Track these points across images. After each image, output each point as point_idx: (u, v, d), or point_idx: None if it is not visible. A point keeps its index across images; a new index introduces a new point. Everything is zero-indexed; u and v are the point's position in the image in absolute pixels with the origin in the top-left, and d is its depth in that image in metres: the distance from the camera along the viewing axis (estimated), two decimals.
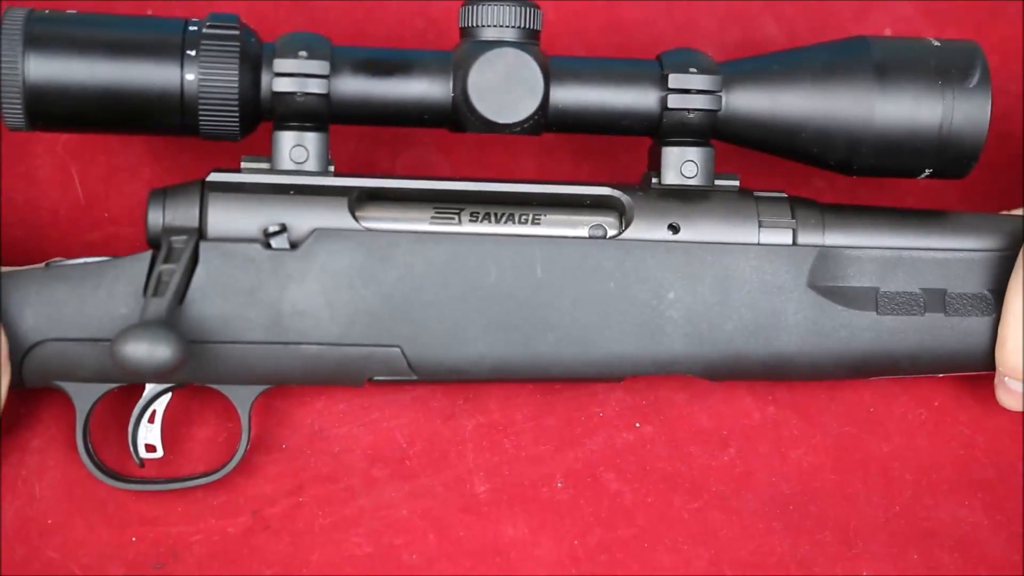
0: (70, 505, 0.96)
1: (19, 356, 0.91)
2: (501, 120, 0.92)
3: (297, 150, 0.93)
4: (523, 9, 0.92)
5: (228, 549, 0.96)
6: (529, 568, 0.96)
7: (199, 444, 0.99)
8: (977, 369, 0.97)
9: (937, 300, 0.96)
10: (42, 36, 0.88)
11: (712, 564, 0.97)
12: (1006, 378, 0.97)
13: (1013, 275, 0.95)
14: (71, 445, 0.97)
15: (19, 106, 0.89)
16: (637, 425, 1.01)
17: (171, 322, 0.85)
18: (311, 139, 0.93)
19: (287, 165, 0.93)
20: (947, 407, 1.04)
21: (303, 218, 0.92)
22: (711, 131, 0.95)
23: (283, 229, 0.91)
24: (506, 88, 0.91)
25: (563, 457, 1.00)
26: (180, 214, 0.92)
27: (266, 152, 0.94)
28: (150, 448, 0.96)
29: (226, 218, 0.92)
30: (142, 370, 0.83)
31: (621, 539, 0.98)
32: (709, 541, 0.98)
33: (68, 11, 0.91)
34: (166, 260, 0.90)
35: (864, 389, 1.04)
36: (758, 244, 0.95)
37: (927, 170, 0.96)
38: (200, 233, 0.92)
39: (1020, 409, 0.99)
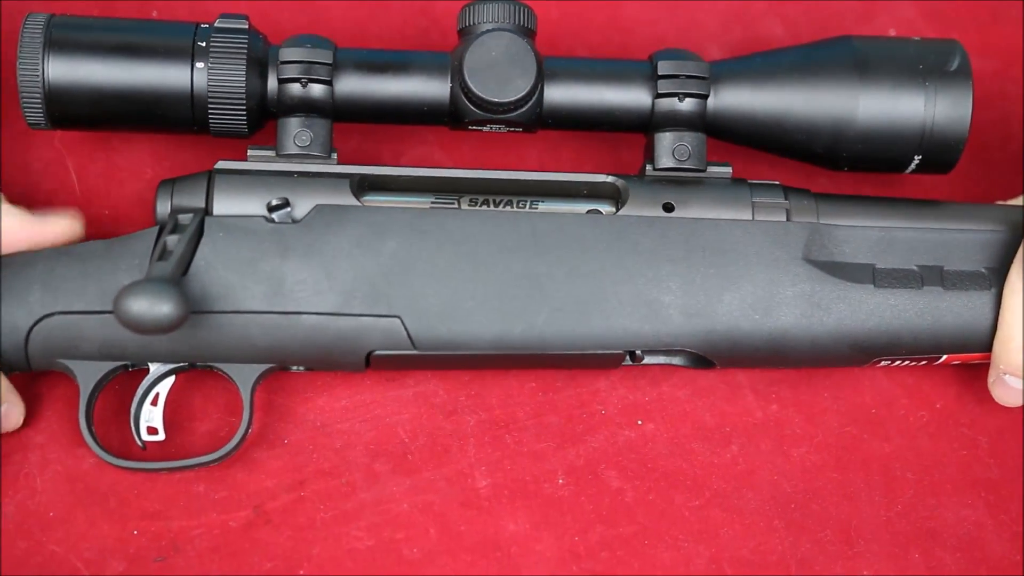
0: (71, 499, 0.96)
1: (25, 331, 0.92)
2: (496, 98, 0.94)
3: (302, 134, 0.95)
4: (518, 8, 0.95)
5: (229, 543, 0.95)
6: (530, 564, 0.96)
7: (201, 436, 0.99)
8: (978, 350, 0.97)
9: (934, 275, 0.97)
10: (62, 40, 0.92)
11: (712, 562, 0.97)
12: (1006, 376, 0.97)
13: (1012, 270, 0.96)
14: (73, 439, 0.97)
15: (40, 106, 0.93)
16: (639, 422, 1.01)
17: (174, 281, 0.86)
18: (315, 125, 0.96)
19: (292, 150, 0.95)
20: (949, 408, 1.04)
21: (305, 197, 0.94)
22: (701, 124, 0.97)
23: (286, 203, 0.93)
24: (501, 68, 0.94)
25: (564, 454, 1.00)
26: (187, 197, 0.94)
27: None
28: (152, 431, 0.96)
29: (231, 198, 0.94)
30: (143, 325, 0.84)
31: (622, 536, 0.98)
32: (710, 539, 0.98)
33: (86, 16, 0.95)
34: (172, 233, 0.92)
35: (866, 391, 1.04)
36: (752, 220, 0.96)
37: (914, 160, 0.97)
38: (206, 211, 0.94)
39: (1018, 404, 0.99)
